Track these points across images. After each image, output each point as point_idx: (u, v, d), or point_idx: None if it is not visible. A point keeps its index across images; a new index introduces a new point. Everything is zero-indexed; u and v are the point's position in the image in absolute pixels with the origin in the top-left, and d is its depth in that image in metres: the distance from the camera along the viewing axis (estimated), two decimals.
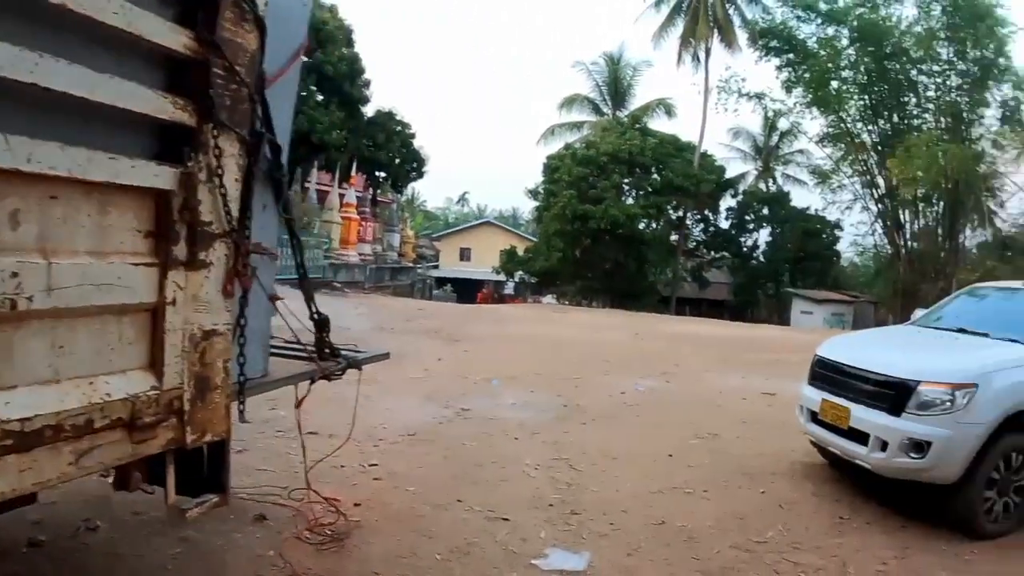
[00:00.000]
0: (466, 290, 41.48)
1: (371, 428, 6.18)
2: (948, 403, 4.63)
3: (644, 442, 6.71)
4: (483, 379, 9.29)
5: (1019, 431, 4.78)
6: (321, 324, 3.73)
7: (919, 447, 4.64)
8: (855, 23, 28.39)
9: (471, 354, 11.59)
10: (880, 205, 30.89)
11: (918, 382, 4.76)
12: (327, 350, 3.79)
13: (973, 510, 4.71)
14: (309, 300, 3.64)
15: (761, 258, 36.09)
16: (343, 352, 3.91)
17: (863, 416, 5.00)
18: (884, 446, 4.79)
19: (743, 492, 5.45)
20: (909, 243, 30.02)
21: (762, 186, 39.26)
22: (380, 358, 4.46)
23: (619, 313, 25.03)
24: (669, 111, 36.64)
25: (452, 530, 4.31)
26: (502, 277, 36.77)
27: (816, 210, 34.62)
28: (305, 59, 4.02)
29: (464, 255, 52.20)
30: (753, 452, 6.51)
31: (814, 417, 5.58)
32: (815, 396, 5.58)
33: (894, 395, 4.85)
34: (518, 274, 35.31)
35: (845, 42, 29.52)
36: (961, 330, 5.86)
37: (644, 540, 4.40)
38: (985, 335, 5.60)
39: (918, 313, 6.97)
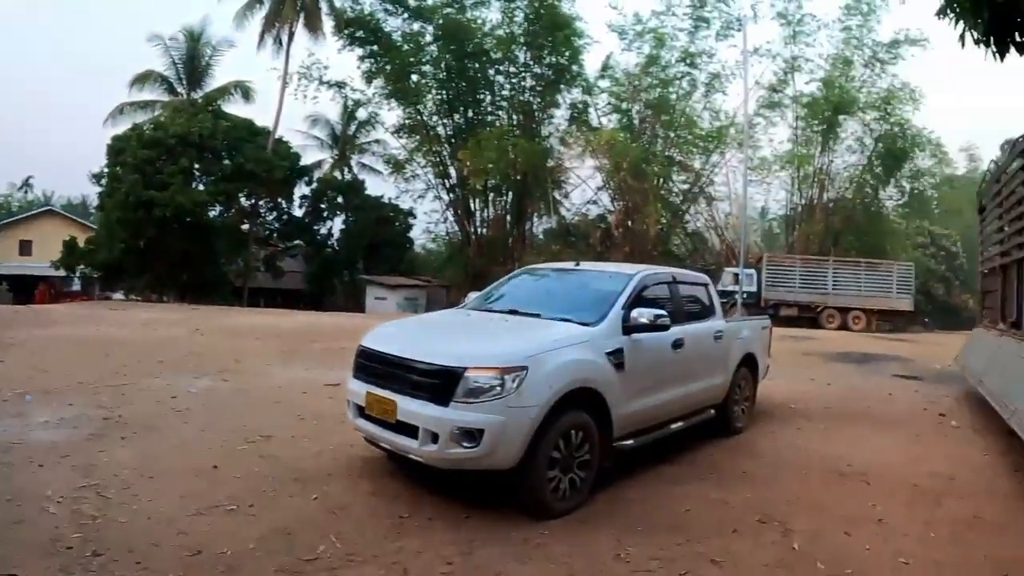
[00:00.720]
0: (24, 288, 37.31)
1: None
2: (498, 388, 4.67)
3: (188, 454, 6.14)
4: (16, 395, 8.18)
5: (576, 409, 5.07)
6: None
7: (471, 436, 4.63)
8: (441, 21, 30.88)
9: (4, 366, 10.22)
10: (452, 194, 34.19)
11: (464, 369, 4.74)
12: None
13: (539, 491, 4.86)
14: None
15: (336, 246, 37.30)
16: None
17: (410, 408, 4.89)
18: (435, 438, 4.72)
19: (294, 501, 5.09)
20: (479, 230, 33.75)
21: (338, 174, 40.34)
22: None
23: (183, 308, 24.00)
24: (247, 94, 35.51)
25: None
26: (63, 273, 32.28)
27: (390, 199, 37.15)
28: None
29: (24, 249, 45.69)
30: (309, 453, 6.25)
31: (362, 412, 5.39)
32: (360, 389, 5.39)
33: (440, 384, 4.79)
34: (80, 268, 31.47)
35: (429, 38, 31.97)
36: (513, 311, 6.09)
37: None
38: (537, 315, 5.89)
39: (471, 296, 7.19)
